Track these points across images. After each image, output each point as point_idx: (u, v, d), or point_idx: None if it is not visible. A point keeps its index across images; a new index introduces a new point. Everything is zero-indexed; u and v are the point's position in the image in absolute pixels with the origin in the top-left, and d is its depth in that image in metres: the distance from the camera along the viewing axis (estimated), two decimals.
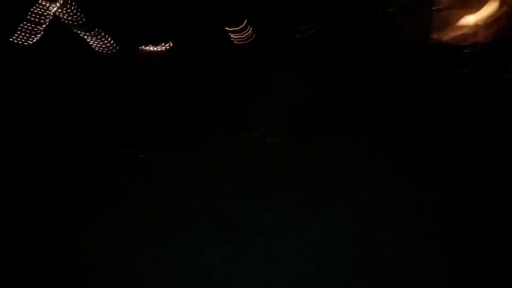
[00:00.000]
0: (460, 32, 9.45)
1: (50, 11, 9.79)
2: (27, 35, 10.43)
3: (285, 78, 10.58)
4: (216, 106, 8.41)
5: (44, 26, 10.57)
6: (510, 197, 3.88)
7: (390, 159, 5.09)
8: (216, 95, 9.55)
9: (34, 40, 10.46)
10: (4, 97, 6.65)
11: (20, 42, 10.60)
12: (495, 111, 6.53)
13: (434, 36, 8.91)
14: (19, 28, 10.54)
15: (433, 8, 8.57)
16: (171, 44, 13.26)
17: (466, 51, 8.39)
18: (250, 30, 15.57)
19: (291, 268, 2.83)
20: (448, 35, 9.56)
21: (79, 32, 10.50)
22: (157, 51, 13.25)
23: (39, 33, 10.19)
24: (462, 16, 9.32)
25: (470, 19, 8.98)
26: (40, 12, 9.64)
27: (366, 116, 6.95)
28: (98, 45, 10.42)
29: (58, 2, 9.56)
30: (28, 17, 9.88)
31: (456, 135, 5.81)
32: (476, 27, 8.73)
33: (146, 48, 12.68)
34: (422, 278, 2.86)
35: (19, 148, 6.03)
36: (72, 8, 10.37)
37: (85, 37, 10.40)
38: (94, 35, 10.47)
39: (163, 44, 13.11)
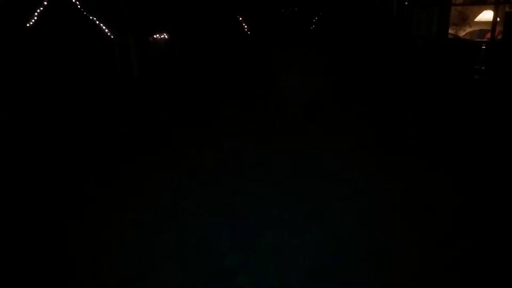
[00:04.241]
0: (477, 27, 9.37)
1: None
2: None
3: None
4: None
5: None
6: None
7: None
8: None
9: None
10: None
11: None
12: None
13: (451, 31, 8.80)
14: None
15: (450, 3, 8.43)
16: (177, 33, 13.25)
17: (483, 46, 8.26)
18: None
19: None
20: (465, 30, 9.47)
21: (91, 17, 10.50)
22: (163, 39, 13.23)
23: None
24: (479, 12, 9.22)
25: (488, 15, 8.88)
26: None
27: (378, 107, 6.88)
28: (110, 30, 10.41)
29: None
30: None
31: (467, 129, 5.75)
32: (494, 22, 8.59)
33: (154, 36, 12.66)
34: None
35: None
36: None
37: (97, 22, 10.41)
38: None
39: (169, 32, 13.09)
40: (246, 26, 14.23)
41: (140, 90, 9.14)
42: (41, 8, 10.76)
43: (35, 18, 10.70)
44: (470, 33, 9.44)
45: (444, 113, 6.53)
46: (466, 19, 9.41)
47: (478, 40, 8.81)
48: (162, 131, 6.12)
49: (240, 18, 14.22)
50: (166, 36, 13.25)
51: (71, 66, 9.86)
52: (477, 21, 9.36)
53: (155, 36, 12.63)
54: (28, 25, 10.69)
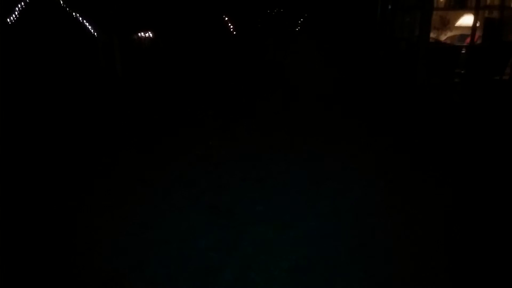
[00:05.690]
0: (458, 32, 9.59)
1: None
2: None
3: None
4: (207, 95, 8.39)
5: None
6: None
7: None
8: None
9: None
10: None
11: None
12: (489, 111, 6.65)
13: (432, 35, 8.98)
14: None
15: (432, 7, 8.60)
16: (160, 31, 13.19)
17: (463, 51, 8.47)
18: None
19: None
20: (446, 35, 9.69)
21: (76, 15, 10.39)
22: (148, 37, 13.15)
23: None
24: (460, 16, 9.45)
25: (468, 20, 9.10)
26: None
27: (360, 111, 6.98)
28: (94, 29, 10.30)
29: None
30: None
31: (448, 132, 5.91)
32: (474, 27, 8.82)
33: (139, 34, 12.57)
34: None
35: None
36: None
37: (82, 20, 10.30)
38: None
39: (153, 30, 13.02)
40: (231, 26, 14.24)
41: (124, 90, 9.07)
42: (22, 4, 10.60)
43: (16, 13, 10.54)
44: (451, 37, 9.67)
45: (423, 113, 6.67)
46: (447, 24, 9.64)
47: (458, 44, 9.02)
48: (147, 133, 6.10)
49: (226, 18, 14.23)
50: (150, 35, 13.18)
51: (52, 64, 9.72)
52: (457, 26, 9.59)
53: (139, 34, 12.54)
54: (8, 20, 10.52)
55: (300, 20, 14.46)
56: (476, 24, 8.85)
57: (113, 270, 2.80)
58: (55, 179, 4.38)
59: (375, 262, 2.84)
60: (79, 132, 6.09)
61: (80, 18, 10.33)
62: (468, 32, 9.05)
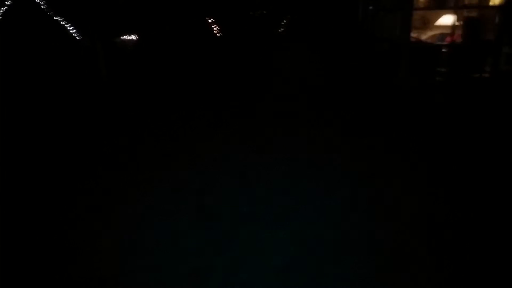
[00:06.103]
0: (438, 31, 9.74)
1: None
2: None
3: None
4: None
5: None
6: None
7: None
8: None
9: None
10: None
11: None
12: (470, 109, 6.81)
13: (413, 35, 9.13)
14: None
15: (412, 7, 8.75)
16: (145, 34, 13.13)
17: (443, 50, 8.63)
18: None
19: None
20: (427, 34, 9.84)
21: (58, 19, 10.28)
22: (132, 40, 13.07)
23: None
24: (440, 16, 9.60)
25: (448, 19, 9.26)
26: None
27: (342, 112, 7.08)
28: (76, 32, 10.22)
29: None
30: None
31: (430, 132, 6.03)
32: (454, 26, 9.01)
33: (123, 37, 12.50)
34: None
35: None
36: None
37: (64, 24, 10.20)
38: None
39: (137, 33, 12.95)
40: (215, 29, 14.26)
41: (109, 94, 9.04)
42: (3, 8, 10.45)
43: None
44: (432, 36, 9.82)
45: (405, 114, 6.80)
46: (427, 23, 9.78)
47: (439, 43, 9.19)
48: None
49: (209, 21, 14.24)
50: (135, 38, 13.11)
51: (33, 70, 9.61)
52: (437, 25, 9.75)
53: (123, 38, 12.47)
54: None
55: (283, 22, 14.53)
56: (455, 24, 9.03)
57: (103, 273, 2.81)
58: (40, 185, 4.35)
59: (363, 261, 2.90)
60: (61, 137, 6.06)
61: (62, 23, 10.23)
62: (449, 31, 9.22)
